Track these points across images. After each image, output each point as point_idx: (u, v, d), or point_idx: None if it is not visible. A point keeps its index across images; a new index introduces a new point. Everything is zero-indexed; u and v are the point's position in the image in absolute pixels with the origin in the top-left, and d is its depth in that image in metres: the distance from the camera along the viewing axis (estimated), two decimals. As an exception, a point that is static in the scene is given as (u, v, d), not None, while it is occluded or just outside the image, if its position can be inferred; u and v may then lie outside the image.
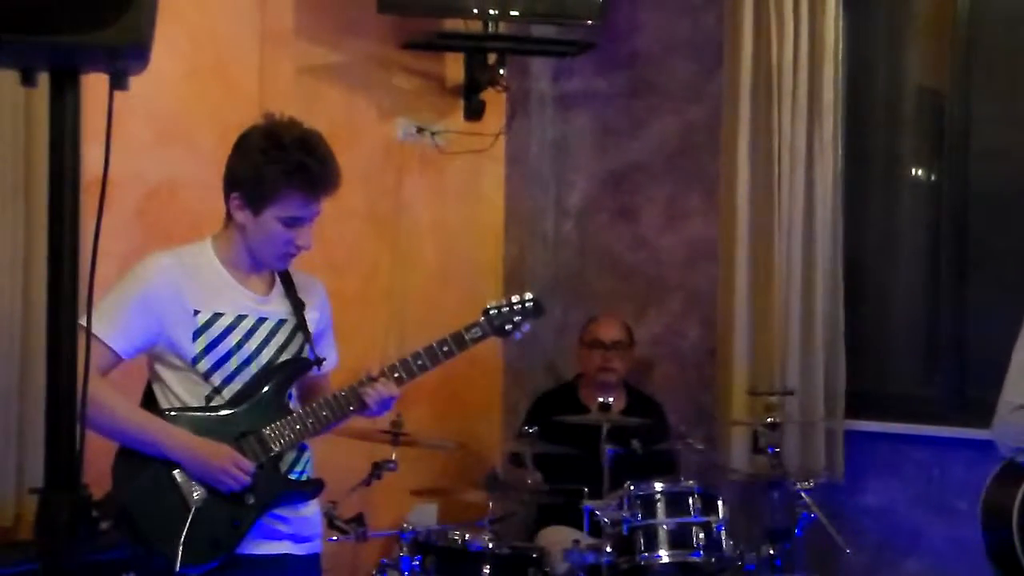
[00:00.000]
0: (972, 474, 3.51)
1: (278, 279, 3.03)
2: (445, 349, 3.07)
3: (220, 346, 2.90)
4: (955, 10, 4.62)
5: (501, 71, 4.92)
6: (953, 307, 4.67)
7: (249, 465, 2.86)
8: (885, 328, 4.91)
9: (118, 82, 1.60)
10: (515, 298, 3.11)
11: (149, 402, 2.94)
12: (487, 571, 3.92)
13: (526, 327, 3.11)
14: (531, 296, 3.11)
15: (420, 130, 4.90)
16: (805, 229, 4.63)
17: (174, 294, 2.88)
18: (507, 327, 3.09)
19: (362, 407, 3.01)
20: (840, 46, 4.64)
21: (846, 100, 4.72)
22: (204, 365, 2.89)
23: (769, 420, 4.27)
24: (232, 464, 2.84)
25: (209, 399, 2.91)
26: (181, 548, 2.78)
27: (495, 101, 5.07)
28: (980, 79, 4.63)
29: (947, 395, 4.65)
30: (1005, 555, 2.65)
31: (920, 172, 4.94)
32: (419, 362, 3.05)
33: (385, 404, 3.02)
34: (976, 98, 4.63)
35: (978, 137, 4.63)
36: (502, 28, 4.86)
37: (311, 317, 3.04)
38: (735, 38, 4.74)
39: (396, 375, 3.02)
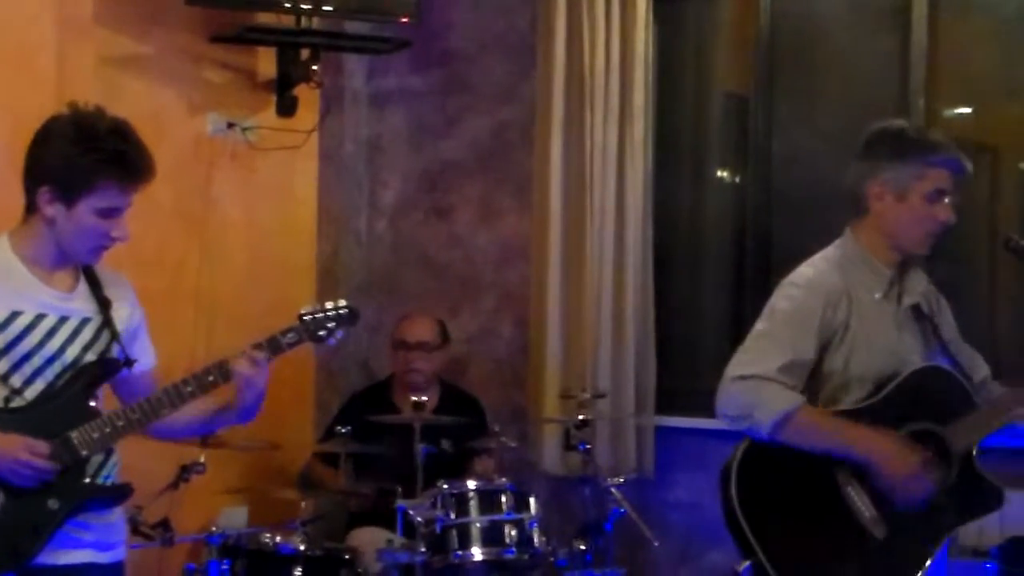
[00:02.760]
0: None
1: (82, 276, 2.91)
2: (262, 354, 3.01)
3: (20, 346, 2.77)
4: (758, 19, 4.78)
5: (314, 67, 4.85)
6: (757, 305, 4.79)
7: (44, 448, 2.72)
8: (693, 326, 5.03)
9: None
10: (330, 304, 3.07)
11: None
12: (299, 573, 3.88)
13: (340, 334, 3.08)
14: (346, 303, 3.08)
15: (231, 125, 4.80)
16: (616, 229, 4.72)
17: (-33, 294, 2.74)
18: (321, 333, 3.05)
19: (224, 380, 2.86)
20: (650, 51, 4.75)
21: (656, 103, 4.82)
22: (3, 366, 2.76)
23: (581, 418, 4.33)
24: (25, 451, 2.69)
25: (8, 400, 2.78)
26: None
27: (308, 97, 5.00)
28: (782, 85, 4.81)
29: (750, 391, 4.79)
30: (731, 518, 2.82)
31: (726, 174, 5.09)
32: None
33: (254, 389, 2.87)
34: (778, 104, 4.80)
35: (780, 141, 4.80)
36: (315, 23, 4.79)
37: (119, 315, 2.92)
38: (548, 40, 4.80)
39: (210, 379, 2.92)
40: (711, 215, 5.07)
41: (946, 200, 2.93)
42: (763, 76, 4.80)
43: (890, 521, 2.81)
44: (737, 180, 5.00)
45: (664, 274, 4.86)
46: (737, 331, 4.92)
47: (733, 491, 2.81)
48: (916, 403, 2.90)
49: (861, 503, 2.81)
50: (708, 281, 5.07)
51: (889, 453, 2.82)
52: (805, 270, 3.04)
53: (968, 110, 4.67)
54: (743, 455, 2.85)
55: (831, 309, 2.91)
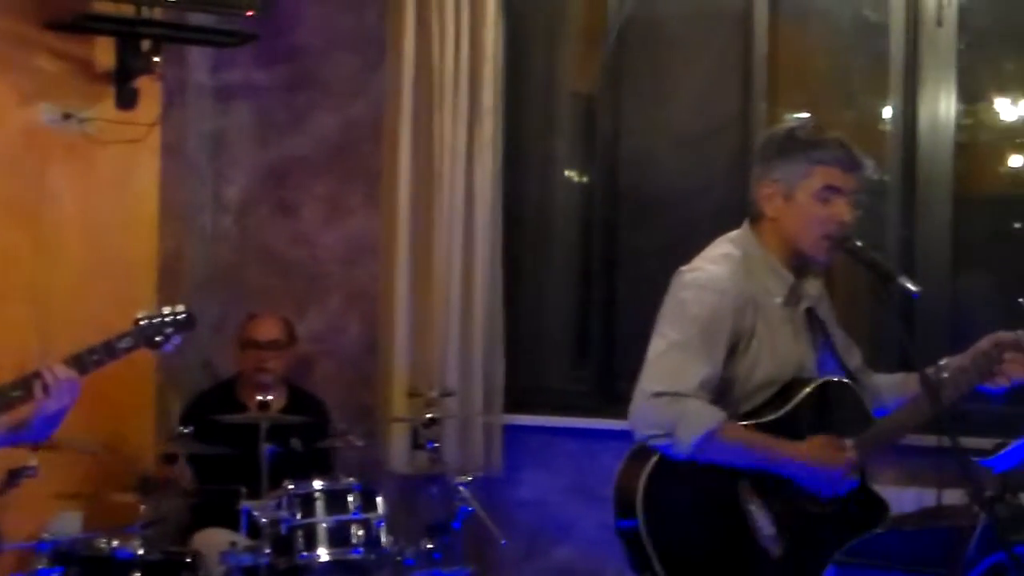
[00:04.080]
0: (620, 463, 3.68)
1: None
2: (95, 358, 2.93)
3: None
4: (606, 20, 4.83)
5: (156, 58, 4.74)
6: (603, 304, 4.88)
7: None
8: (541, 325, 5.07)
9: None
10: (167, 309, 3.02)
11: None
12: (137, 579, 3.77)
13: (177, 340, 3.03)
14: (183, 308, 3.03)
15: (67, 116, 4.66)
16: (465, 227, 4.72)
17: None
18: (158, 339, 2.99)
19: (27, 398, 2.75)
20: (499, 49, 4.76)
21: (505, 102, 4.84)
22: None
23: (429, 416, 4.32)
24: None
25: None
26: None
27: (150, 89, 4.89)
28: (629, 86, 4.87)
29: (597, 388, 4.85)
30: (631, 534, 2.77)
31: (574, 173, 5.14)
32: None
33: (54, 407, 2.77)
34: (625, 104, 4.86)
35: (627, 141, 4.86)
36: (156, 13, 4.67)
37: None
38: (397, 36, 4.77)
39: (15, 394, 2.81)
40: (559, 214, 5.11)
41: (843, 199, 2.84)
42: (610, 77, 4.86)
43: (787, 538, 2.80)
44: (585, 179, 5.05)
45: (512, 272, 4.88)
46: (584, 330, 4.98)
47: (639, 508, 2.74)
48: (817, 418, 2.87)
49: (761, 520, 2.79)
50: (556, 280, 5.11)
51: (820, 452, 2.80)
52: (713, 269, 2.88)
53: (807, 115, 4.80)
54: (651, 472, 2.75)
55: (740, 316, 2.82)
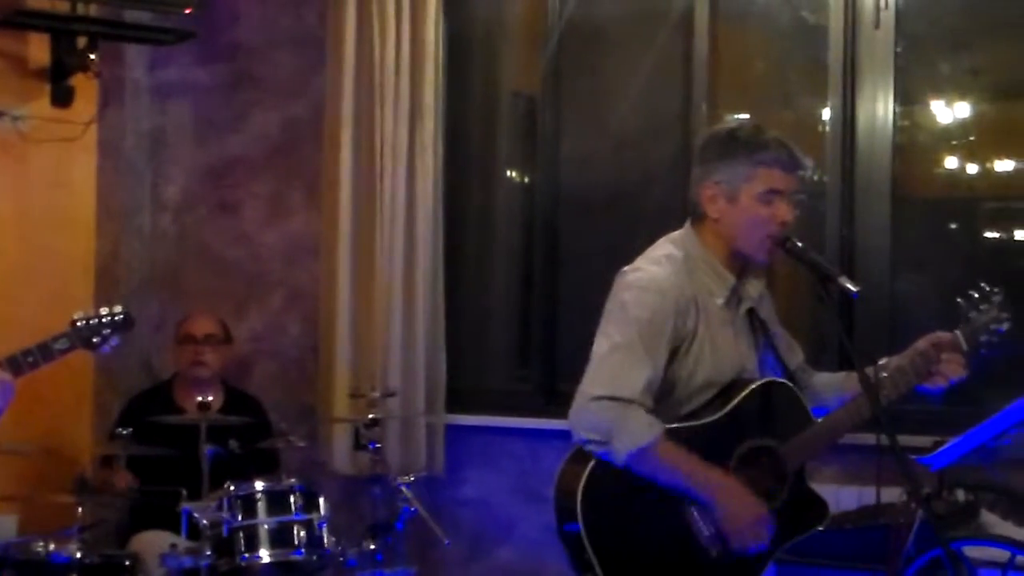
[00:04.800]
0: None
1: None
2: (30, 360, 2.89)
3: None
4: (547, 19, 4.84)
5: (92, 56, 4.68)
6: (545, 304, 4.89)
7: None
8: (483, 325, 5.07)
9: None
10: (104, 310, 2.99)
11: None
12: (75, 583, 3.72)
13: (114, 341, 3.00)
14: (121, 309, 2.99)
15: (1, 114, 4.59)
16: (406, 227, 4.70)
17: None
18: (95, 340, 2.95)
19: None
20: (440, 48, 4.75)
21: (446, 102, 4.83)
22: None
23: (371, 417, 4.30)
24: None
25: None
26: None
27: (86, 87, 4.83)
28: (570, 87, 4.88)
29: (539, 388, 4.85)
30: (571, 536, 2.77)
31: (515, 174, 5.14)
32: None
33: None
34: (566, 105, 4.87)
35: (568, 142, 4.87)
36: (92, 10, 4.62)
37: None
38: (337, 35, 4.75)
39: None
40: (501, 214, 5.11)
41: (783, 200, 2.85)
42: (552, 77, 4.86)
43: (725, 540, 2.80)
44: (526, 179, 5.06)
45: (454, 272, 4.87)
46: (526, 330, 4.99)
47: (579, 510, 2.73)
48: (757, 419, 2.88)
49: (701, 521, 2.79)
50: (497, 280, 5.12)
51: (738, 503, 2.79)
52: (654, 270, 2.86)
53: (747, 116, 4.84)
54: (590, 474, 2.75)
55: (681, 318, 2.82)
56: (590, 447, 2.76)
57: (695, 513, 2.80)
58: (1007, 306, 3.01)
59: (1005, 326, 3.00)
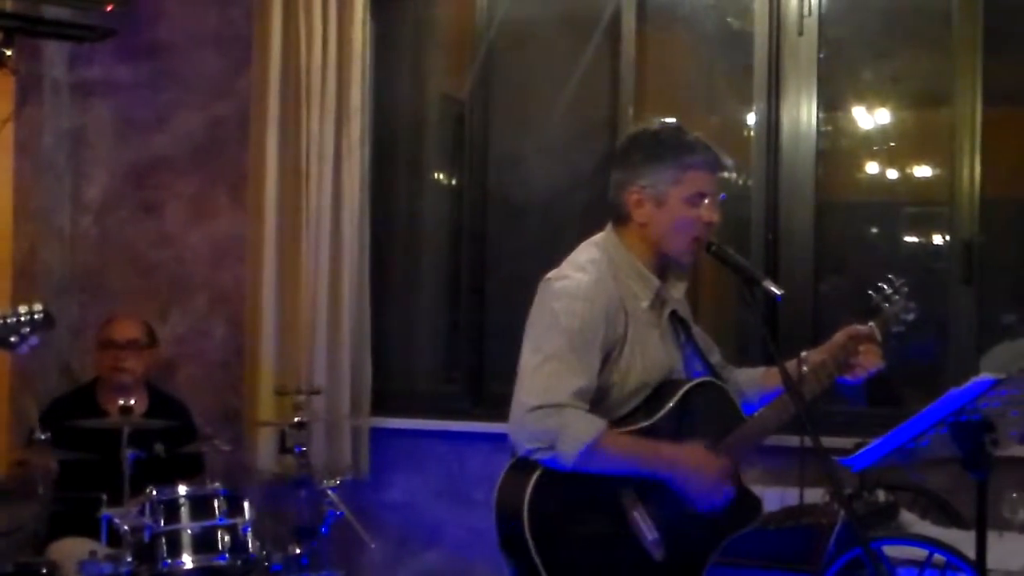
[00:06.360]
0: (489, 466, 3.65)
1: None
2: None
3: None
4: (474, 22, 4.84)
5: (8, 52, 4.58)
6: (472, 307, 4.88)
7: None
8: (410, 327, 5.05)
9: None
10: (23, 308, 2.91)
11: None
12: (-12, 591, 3.64)
13: (34, 340, 2.92)
14: (41, 307, 2.92)
15: (-86, 111, 4.49)
16: (332, 229, 4.67)
17: None
18: (13, 339, 2.88)
19: None
20: (367, 49, 4.73)
21: (373, 103, 4.81)
22: None
23: (297, 420, 4.26)
24: None
25: None
26: None
27: (2, 85, 4.75)
28: (498, 90, 4.89)
29: (466, 391, 4.85)
30: (517, 545, 2.76)
31: (442, 176, 5.13)
32: None
33: None
34: (494, 108, 4.87)
35: (495, 145, 4.87)
36: (9, 6, 4.53)
37: None
38: (263, 35, 4.71)
39: None
40: (428, 216, 5.10)
41: (707, 201, 2.86)
42: (479, 80, 4.86)
43: (669, 541, 2.81)
44: (454, 182, 5.05)
45: (381, 274, 4.86)
46: (452, 332, 4.98)
47: (525, 520, 2.71)
48: (693, 420, 2.89)
49: (645, 526, 2.80)
50: (424, 282, 5.10)
51: (698, 462, 2.82)
52: (581, 277, 2.85)
53: (673, 120, 4.87)
54: (536, 484, 2.74)
55: (611, 324, 2.82)
56: (536, 455, 2.75)
57: (637, 518, 2.81)
58: (913, 296, 3.09)
59: (912, 316, 3.08)
